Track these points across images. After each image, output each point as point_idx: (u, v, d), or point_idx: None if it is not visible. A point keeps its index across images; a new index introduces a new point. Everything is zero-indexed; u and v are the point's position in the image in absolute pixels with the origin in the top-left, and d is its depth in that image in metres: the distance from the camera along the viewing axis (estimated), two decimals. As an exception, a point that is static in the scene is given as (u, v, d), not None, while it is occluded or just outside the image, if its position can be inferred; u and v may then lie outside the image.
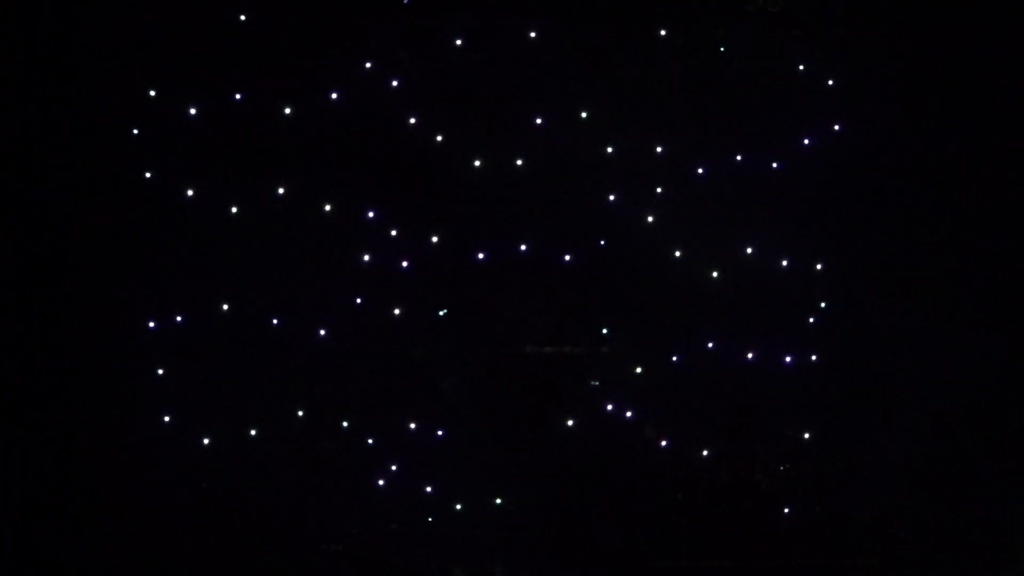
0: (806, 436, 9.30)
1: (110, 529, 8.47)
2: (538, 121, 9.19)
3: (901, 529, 8.94)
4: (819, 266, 9.34)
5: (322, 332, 9.04)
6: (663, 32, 9.23)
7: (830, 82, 9.27)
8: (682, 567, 8.89)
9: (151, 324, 8.85)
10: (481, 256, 9.19)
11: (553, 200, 9.23)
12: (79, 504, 8.49)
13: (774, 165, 9.30)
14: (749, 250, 9.31)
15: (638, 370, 9.31)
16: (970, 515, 8.70)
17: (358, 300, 9.10)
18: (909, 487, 8.90)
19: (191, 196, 8.88)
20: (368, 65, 9.03)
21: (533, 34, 9.15)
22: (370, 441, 9.10)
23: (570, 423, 9.22)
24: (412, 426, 9.12)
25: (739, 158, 9.30)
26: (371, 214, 9.09)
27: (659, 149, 9.29)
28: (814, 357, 9.31)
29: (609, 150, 9.26)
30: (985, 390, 8.77)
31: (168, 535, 8.64)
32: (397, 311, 9.14)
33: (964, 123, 8.89)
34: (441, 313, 9.20)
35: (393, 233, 9.10)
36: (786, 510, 9.17)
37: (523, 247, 9.20)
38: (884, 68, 9.07)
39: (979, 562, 8.49)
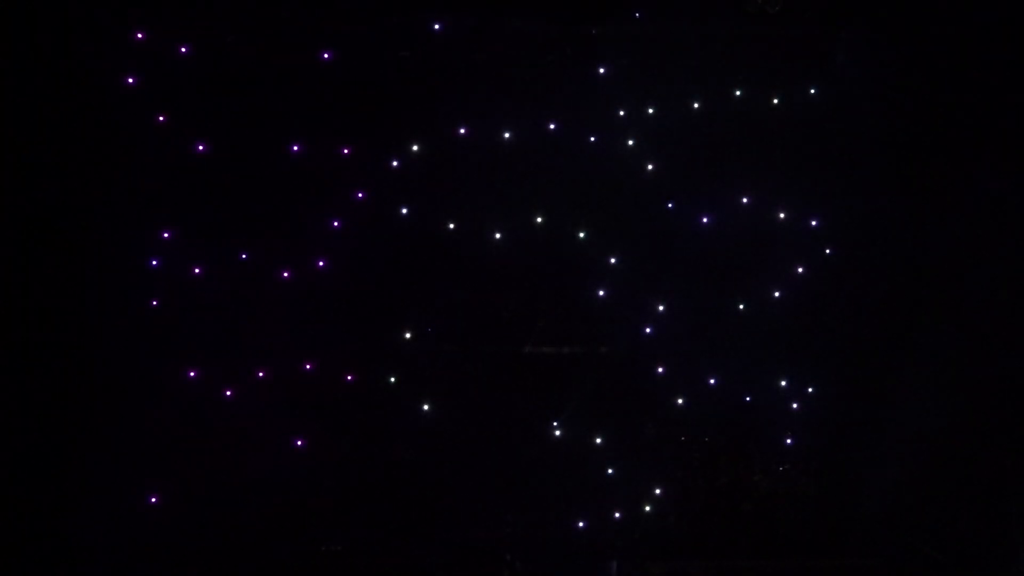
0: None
1: (107, 527, 8.42)
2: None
3: (901, 530, 8.95)
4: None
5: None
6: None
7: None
8: (682, 567, 8.89)
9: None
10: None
11: (553, 200, 9.22)
12: (67, 502, 8.45)
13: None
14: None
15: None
16: (970, 515, 8.70)
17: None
18: (909, 487, 8.91)
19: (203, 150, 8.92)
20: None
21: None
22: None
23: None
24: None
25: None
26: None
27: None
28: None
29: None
30: (985, 390, 8.76)
31: (168, 535, 8.62)
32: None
33: (966, 121, 8.90)
34: None
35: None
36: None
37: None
38: (883, 70, 9.07)
39: (979, 562, 8.51)
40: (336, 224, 9.07)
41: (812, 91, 9.27)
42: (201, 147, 8.89)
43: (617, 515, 9.12)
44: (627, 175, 9.26)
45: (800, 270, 9.33)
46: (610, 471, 9.16)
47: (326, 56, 8.97)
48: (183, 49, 8.82)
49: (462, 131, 9.13)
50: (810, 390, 9.30)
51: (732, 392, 9.30)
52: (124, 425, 8.59)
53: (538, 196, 9.20)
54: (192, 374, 8.85)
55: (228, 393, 8.90)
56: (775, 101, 9.29)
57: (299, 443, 8.94)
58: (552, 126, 9.21)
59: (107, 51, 8.66)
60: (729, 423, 9.30)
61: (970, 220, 8.84)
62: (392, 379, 9.10)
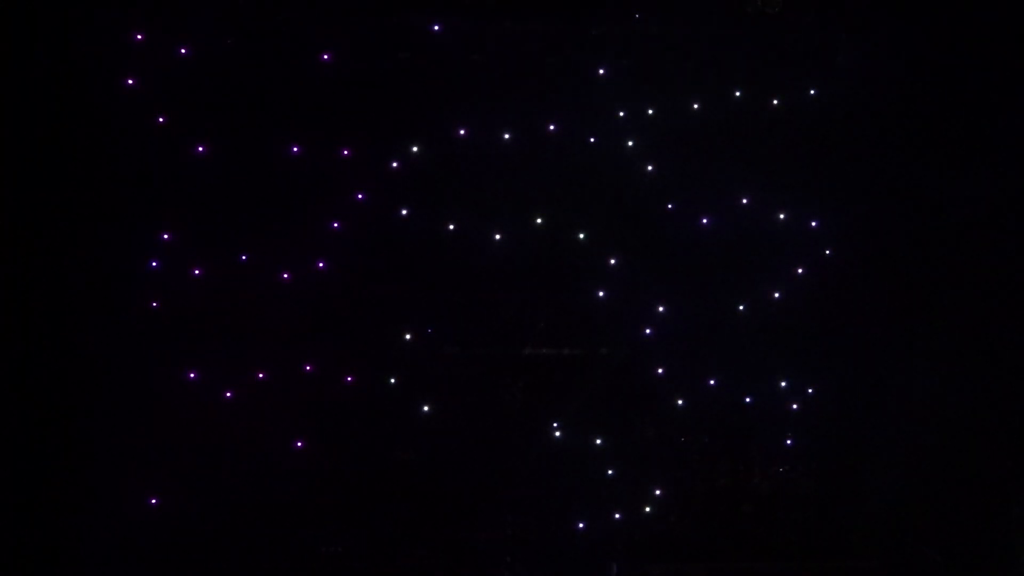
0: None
1: (107, 528, 8.43)
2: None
3: (901, 531, 8.95)
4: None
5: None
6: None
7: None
8: (682, 569, 8.90)
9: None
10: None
11: (553, 201, 9.22)
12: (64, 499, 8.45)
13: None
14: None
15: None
16: (970, 516, 8.72)
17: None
18: (909, 488, 8.92)
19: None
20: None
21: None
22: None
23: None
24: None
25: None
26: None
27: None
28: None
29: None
30: (985, 391, 8.78)
31: (167, 537, 8.63)
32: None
33: (966, 122, 8.91)
34: None
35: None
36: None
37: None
38: (883, 70, 9.06)
39: (979, 563, 8.52)
40: (336, 225, 9.07)
41: (812, 92, 9.27)
42: (201, 148, 8.88)
43: (617, 516, 9.13)
44: (627, 176, 9.26)
45: (800, 271, 9.33)
46: (610, 472, 9.17)
47: (326, 57, 8.97)
48: (183, 50, 8.81)
49: (462, 132, 9.13)
50: (810, 391, 9.30)
51: (732, 393, 9.29)
52: (124, 427, 8.57)
53: (538, 197, 9.21)
54: (192, 376, 8.83)
55: (228, 395, 8.89)
56: (775, 102, 9.28)
57: (299, 445, 8.93)
58: (552, 127, 9.21)
59: (107, 51, 8.65)
60: (729, 424, 9.31)
61: (970, 221, 8.86)
62: (392, 380, 9.08)
